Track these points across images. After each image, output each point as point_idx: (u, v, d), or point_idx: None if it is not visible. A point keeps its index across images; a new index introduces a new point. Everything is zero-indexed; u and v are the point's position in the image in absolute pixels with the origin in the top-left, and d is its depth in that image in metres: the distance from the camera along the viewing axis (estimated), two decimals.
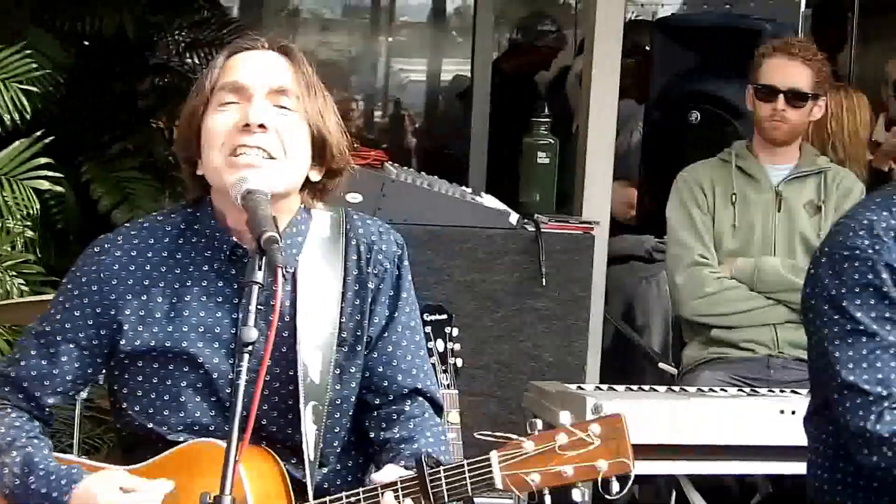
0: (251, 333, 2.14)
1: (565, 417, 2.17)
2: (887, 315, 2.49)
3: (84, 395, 3.22)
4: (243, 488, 2.25)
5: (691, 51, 5.28)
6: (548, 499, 2.17)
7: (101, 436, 4.14)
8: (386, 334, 2.46)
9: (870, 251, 2.50)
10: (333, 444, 2.44)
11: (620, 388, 3.84)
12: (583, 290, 4.24)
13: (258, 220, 2.23)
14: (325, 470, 2.42)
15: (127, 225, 2.51)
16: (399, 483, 2.23)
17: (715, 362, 4.17)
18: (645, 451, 3.34)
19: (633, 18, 7.81)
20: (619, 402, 3.46)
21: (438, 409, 2.50)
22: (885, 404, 2.47)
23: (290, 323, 2.38)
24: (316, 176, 2.43)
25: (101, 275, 2.42)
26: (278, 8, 9.49)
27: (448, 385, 3.33)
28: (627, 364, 4.88)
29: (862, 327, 2.49)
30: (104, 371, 2.47)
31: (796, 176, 4.24)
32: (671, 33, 5.45)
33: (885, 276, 2.49)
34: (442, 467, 2.21)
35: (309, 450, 2.36)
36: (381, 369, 2.45)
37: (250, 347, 2.15)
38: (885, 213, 2.53)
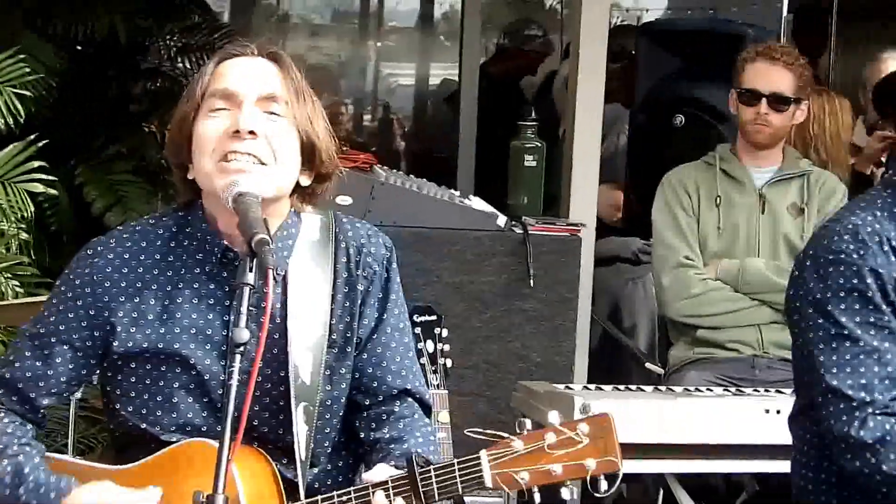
0: (243, 335, 2.14)
1: (554, 417, 2.17)
2: (871, 320, 2.48)
3: (78, 395, 3.22)
4: (236, 487, 2.25)
5: (675, 55, 5.29)
6: (537, 497, 2.17)
7: (96, 435, 4.13)
8: (375, 336, 2.46)
9: (854, 256, 2.49)
10: (324, 445, 2.44)
11: (608, 387, 3.83)
12: (570, 292, 4.24)
13: (249, 223, 2.23)
14: (315, 470, 2.42)
15: (119, 228, 2.51)
16: (390, 482, 2.22)
17: (701, 362, 4.17)
18: (632, 451, 3.34)
19: (618, 23, 7.82)
20: (607, 402, 3.46)
21: (427, 409, 2.50)
22: (869, 410, 2.46)
23: (280, 325, 2.38)
24: (306, 180, 2.43)
25: (94, 277, 2.41)
26: (268, 13, 9.48)
27: (438, 385, 3.33)
28: (614, 364, 4.87)
29: (846, 332, 2.48)
30: (97, 372, 2.47)
31: (779, 178, 4.24)
32: (656, 38, 5.46)
33: (869, 280, 2.48)
34: (432, 466, 2.21)
35: (300, 450, 2.36)
36: (370, 370, 2.45)
37: (242, 349, 2.14)
38: (869, 218, 2.53)
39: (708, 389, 3.83)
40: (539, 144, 4.46)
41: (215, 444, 2.14)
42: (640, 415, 3.48)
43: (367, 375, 2.45)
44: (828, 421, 2.50)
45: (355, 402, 2.46)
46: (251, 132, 2.33)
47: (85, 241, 2.50)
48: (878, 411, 2.46)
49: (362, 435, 2.45)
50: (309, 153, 2.40)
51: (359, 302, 2.44)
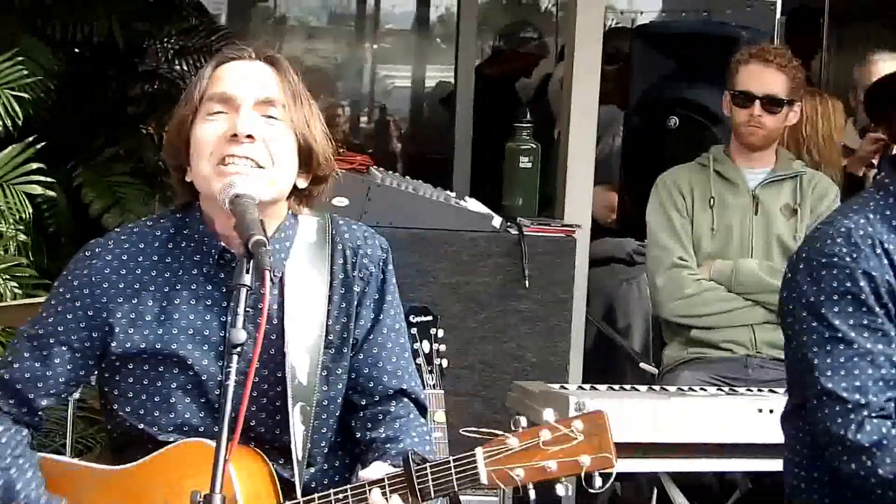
0: (240, 335, 2.14)
1: (549, 414, 2.17)
2: (865, 322, 2.48)
3: (77, 395, 3.22)
4: (233, 487, 2.25)
5: (670, 57, 5.29)
6: (532, 493, 2.17)
7: (94, 435, 4.12)
8: (371, 336, 2.46)
9: (847, 259, 2.49)
10: (321, 445, 2.44)
11: (602, 387, 3.84)
12: (565, 292, 4.24)
13: (246, 224, 2.24)
14: (312, 469, 2.43)
15: (117, 230, 2.52)
16: (386, 480, 2.22)
17: (694, 362, 4.18)
18: (627, 450, 3.36)
19: (613, 26, 7.82)
20: (601, 402, 3.45)
21: (423, 409, 2.50)
22: (865, 413, 2.46)
23: (277, 326, 2.39)
24: (303, 183, 2.43)
25: (93, 278, 2.42)
26: (265, 15, 9.49)
27: (434, 385, 3.33)
28: (609, 364, 4.88)
29: (840, 335, 2.49)
30: (95, 373, 2.47)
31: (773, 180, 4.25)
32: (650, 40, 5.46)
33: (862, 283, 2.48)
34: (428, 464, 2.21)
35: (297, 449, 2.36)
36: (366, 370, 2.46)
37: (239, 349, 2.15)
38: (862, 221, 2.53)
39: (701, 389, 3.83)
40: (534, 146, 4.47)
41: (212, 443, 2.15)
42: (635, 414, 3.48)
43: (364, 376, 2.45)
44: (823, 423, 2.50)
45: (351, 403, 2.46)
46: (249, 136, 2.34)
47: (83, 243, 2.50)
48: (874, 414, 2.47)
49: (358, 435, 2.46)
50: (306, 156, 2.41)
51: (355, 303, 2.45)
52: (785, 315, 2.60)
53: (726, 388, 3.88)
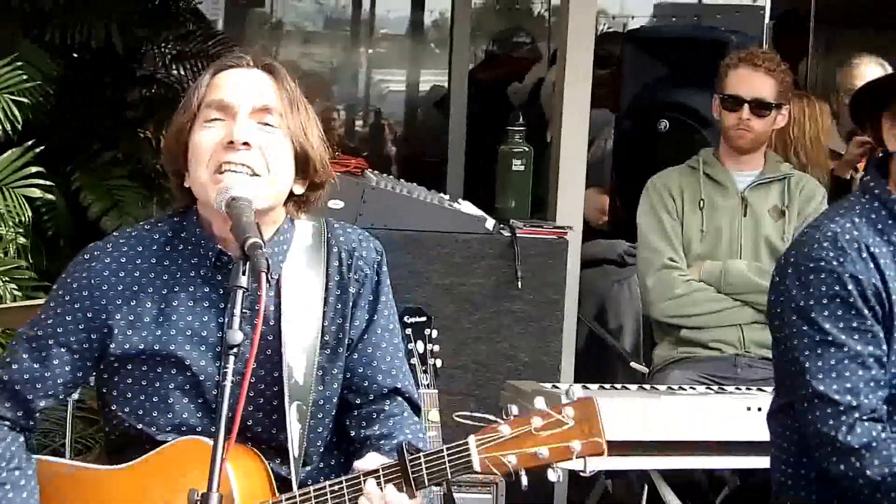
0: (236, 336, 2.15)
1: (540, 402, 2.18)
2: (854, 325, 2.49)
3: (76, 396, 3.22)
4: (230, 485, 2.26)
5: (660, 61, 5.29)
6: (524, 480, 2.17)
7: (93, 435, 4.12)
8: (366, 336, 2.47)
9: (834, 263, 2.50)
10: (317, 444, 2.45)
11: (594, 386, 3.84)
12: (557, 293, 4.24)
13: (242, 227, 2.24)
14: (308, 468, 2.43)
15: (116, 233, 2.52)
16: (381, 470, 2.23)
17: (684, 361, 4.18)
18: (617, 448, 3.35)
19: (605, 31, 7.84)
20: None
21: (416, 408, 2.51)
22: (856, 415, 2.47)
23: (274, 327, 2.39)
24: (299, 189, 2.44)
25: (92, 281, 2.42)
26: (262, 21, 9.48)
27: (428, 385, 3.34)
28: (600, 363, 4.88)
29: (830, 338, 2.49)
30: (94, 374, 2.47)
31: (761, 182, 4.26)
32: (641, 45, 5.46)
33: (850, 287, 2.49)
34: (422, 453, 2.21)
35: (294, 447, 2.37)
36: (361, 370, 2.47)
37: (236, 350, 2.15)
38: (848, 225, 2.54)
39: (691, 388, 3.84)
40: (527, 149, 4.47)
41: (209, 441, 2.15)
42: (626, 413, 3.48)
43: (358, 375, 2.46)
44: (814, 425, 2.50)
45: (346, 402, 2.47)
46: (245, 143, 2.35)
47: (82, 245, 2.50)
48: (865, 416, 2.47)
49: (353, 433, 2.46)
50: (303, 163, 2.41)
51: (350, 304, 2.45)
52: (774, 318, 2.61)
53: (715, 387, 3.89)
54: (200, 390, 2.39)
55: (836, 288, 2.49)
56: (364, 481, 2.23)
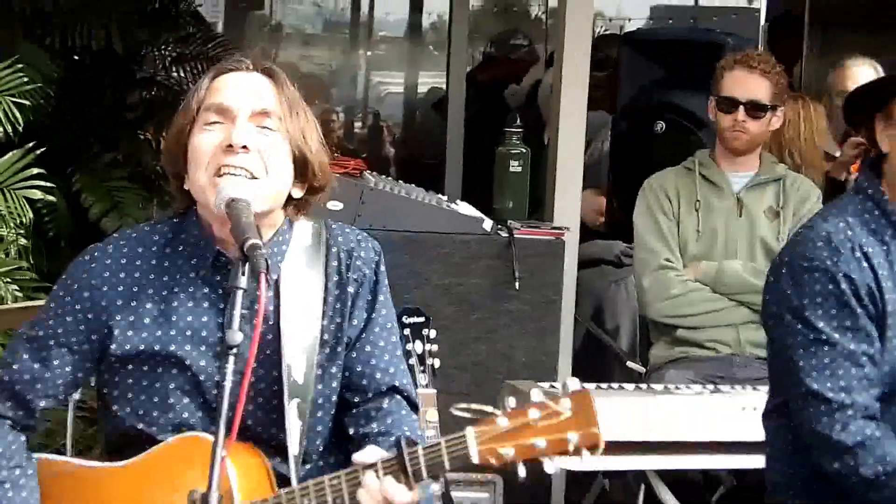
0: (236, 337, 2.15)
1: (536, 394, 2.18)
2: (847, 324, 2.50)
3: (77, 396, 3.22)
4: (230, 481, 2.26)
5: (657, 64, 5.29)
6: (522, 471, 2.17)
7: (94, 436, 4.12)
8: (364, 335, 2.47)
9: (828, 262, 2.51)
10: (316, 442, 2.46)
11: (591, 385, 3.83)
12: (554, 293, 4.24)
13: (241, 229, 2.25)
14: (308, 466, 2.43)
15: (116, 235, 2.53)
16: (379, 463, 2.22)
17: (680, 361, 4.18)
18: (615, 447, 3.36)
19: (602, 33, 7.84)
20: None
21: (414, 406, 2.52)
22: (849, 413, 2.48)
23: (274, 327, 2.40)
24: (298, 193, 2.45)
25: (92, 282, 2.43)
26: (261, 23, 9.49)
27: (426, 385, 3.34)
28: (597, 363, 4.88)
29: (824, 337, 2.50)
30: (94, 375, 2.48)
31: (756, 183, 4.26)
32: (638, 47, 5.46)
33: (843, 285, 2.50)
34: (420, 446, 2.21)
35: (293, 444, 2.37)
36: (359, 368, 2.47)
37: (235, 350, 2.15)
38: (841, 225, 2.55)
39: (687, 387, 3.84)
40: (524, 150, 4.47)
41: (209, 437, 2.16)
42: (622, 412, 3.48)
43: (357, 373, 2.47)
44: (809, 423, 2.51)
45: (345, 400, 2.48)
46: (244, 147, 2.35)
47: (82, 246, 2.51)
48: (858, 414, 2.48)
49: (352, 431, 2.47)
50: (301, 166, 2.42)
51: (349, 304, 2.46)
52: (768, 318, 2.62)
53: (711, 387, 3.88)
54: (200, 390, 2.39)
55: (830, 287, 2.50)
56: (363, 474, 2.22)
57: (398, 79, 9.36)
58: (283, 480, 2.36)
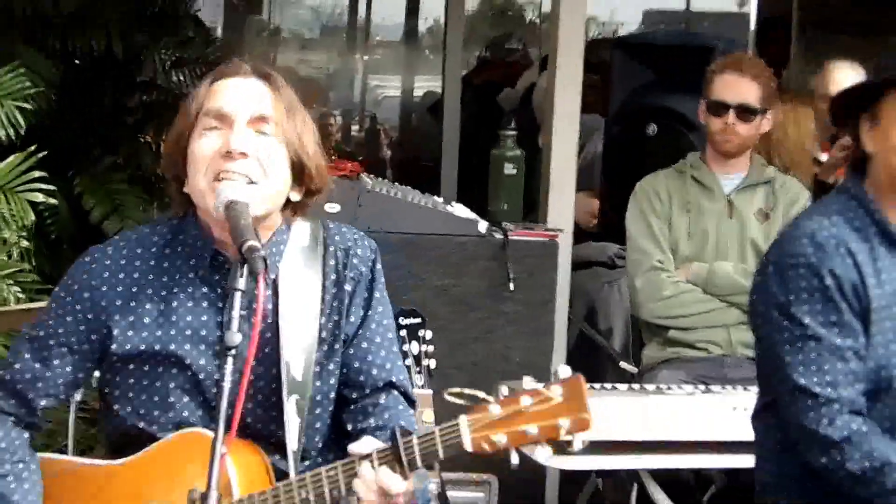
0: (234, 338, 2.16)
1: (528, 382, 2.18)
2: (833, 319, 2.51)
3: (78, 397, 3.21)
4: (228, 476, 2.27)
5: (649, 67, 5.29)
6: (515, 458, 2.17)
7: (96, 436, 4.11)
8: (361, 332, 2.48)
9: (813, 259, 2.52)
10: (315, 439, 2.46)
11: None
12: (548, 294, 4.24)
13: (239, 231, 2.26)
14: (307, 463, 2.44)
15: (116, 237, 2.54)
16: (375, 454, 2.23)
17: (673, 362, 4.18)
18: (607, 447, 3.37)
19: (596, 37, 7.84)
20: None
21: (411, 401, 2.52)
22: (836, 407, 2.48)
23: (272, 325, 2.41)
24: (296, 196, 2.45)
25: (92, 282, 2.43)
26: (260, 27, 9.49)
27: (423, 385, 3.33)
28: (591, 364, 4.86)
29: (810, 332, 2.51)
30: (95, 374, 2.48)
31: (747, 185, 4.26)
32: (630, 51, 5.46)
33: (828, 281, 2.51)
34: (414, 435, 2.22)
35: (292, 441, 2.38)
36: (356, 365, 2.48)
37: (233, 351, 2.16)
38: (826, 222, 2.56)
39: (679, 387, 3.83)
40: (519, 153, 4.47)
41: (209, 433, 2.17)
42: (615, 412, 3.48)
43: (354, 370, 2.48)
44: (796, 418, 2.52)
45: (343, 396, 2.48)
46: (242, 153, 2.36)
47: (84, 248, 2.51)
48: (845, 409, 2.48)
49: (349, 427, 2.47)
50: (299, 170, 2.43)
51: (346, 301, 2.47)
52: (755, 316, 2.62)
53: (703, 387, 3.88)
54: (200, 389, 2.40)
55: (815, 283, 2.50)
56: (358, 465, 2.23)
57: (395, 82, 9.36)
58: (282, 477, 2.36)
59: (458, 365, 4.15)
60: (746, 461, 2.88)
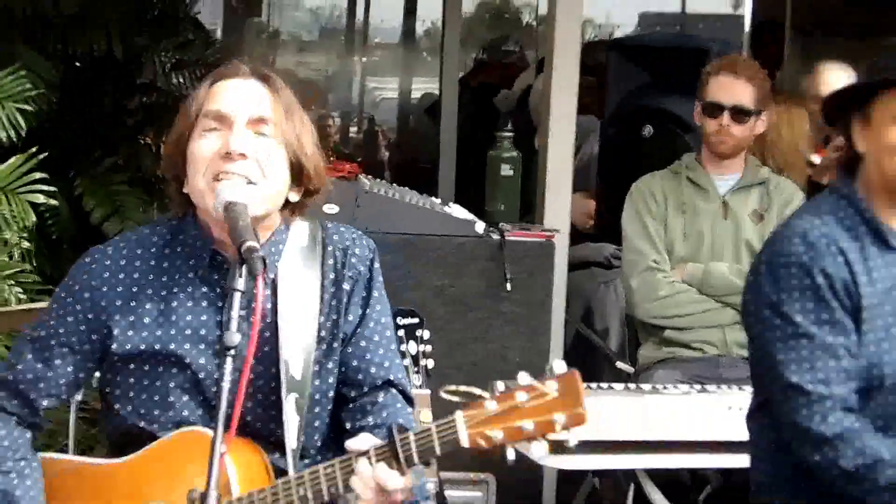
0: (233, 339, 2.16)
1: (523, 377, 2.18)
2: (825, 317, 2.51)
3: (79, 397, 3.21)
4: (228, 474, 2.27)
5: (645, 69, 5.29)
6: (511, 454, 2.16)
7: (96, 436, 4.10)
8: (359, 330, 2.48)
9: (805, 258, 2.52)
10: (314, 438, 2.47)
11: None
12: (545, 295, 4.24)
13: (238, 231, 2.26)
14: (306, 461, 2.44)
15: (116, 237, 2.54)
16: (372, 451, 2.23)
17: (668, 362, 4.18)
18: (604, 446, 3.36)
19: (592, 40, 7.84)
20: None
21: (409, 400, 2.53)
22: (828, 404, 2.48)
23: (272, 324, 2.41)
24: (295, 196, 2.46)
25: (92, 283, 2.44)
26: (259, 30, 9.49)
27: (420, 385, 3.32)
28: (587, 363, 4.86)
29: (802, 330, 2.51)
30: (96, 374, 2.48)
31: (741, 186, 4.26)
32: (625, 53, 5.45)
33: (820, 280, 2.51)
34: (411, 432, 2.22)
35: (291, 439, 2.38)
36: (355, 363, 2.48)
37: (232, 351, 2.16)
38: (817, 221, 2.56)
39: (674, 387, 3.83)
40: (515, 154, 4.47)
41: (208, 431, 2.17)
42: (612, 412, 3.47)
43: (352, 368, 2.48)
44: (789, 416, 2.52)
45: (341, 395, 2.48)
46: (241, 154, 2.36)
47: (84, 249, 2.52)
48: (838, 406, 2.48)
49: (348, 425, 2.47)
50: (297, 170, 2.43)
51: (345, 300, 2.47)
52: (748, 316, 2.63)
53: (698, 387, 3.87)
54: (200, 388, 2.40)
55: (807, 281, 2.50)
56: (356, 461, 2.23)
57: (393, 84, 9.36)
58: (282, 475, 2.36)
59: (456, 365, 4.15)
60: (742, 461, 2.88)
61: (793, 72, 6.48)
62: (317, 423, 2.45)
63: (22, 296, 4.12)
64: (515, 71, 7.48)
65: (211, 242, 2.41)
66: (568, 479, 4.28)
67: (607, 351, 4.76)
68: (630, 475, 3.83)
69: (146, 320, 2.41)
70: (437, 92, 7.20)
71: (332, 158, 4.23)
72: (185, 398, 2.40)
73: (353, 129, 9.29)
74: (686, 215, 4.23)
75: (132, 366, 2.41)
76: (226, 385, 2.13)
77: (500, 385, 2.18)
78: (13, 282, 4.13)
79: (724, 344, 4.17)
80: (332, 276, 2.47)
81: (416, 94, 9.02)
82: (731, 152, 4.23)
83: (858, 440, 2.47)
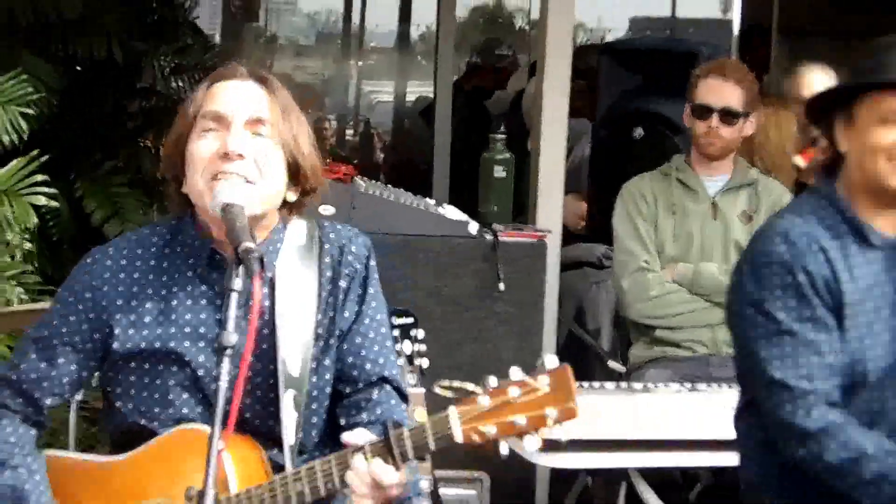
0: (231, 338, 2.15)
1: (515, 372, 2.17)
2: (807, 314, 2.51)
3: (79, 397, 3.21)
4: (226, 470, 2.27)
5: (635, 72, 5.29)
6: (504, 449, 2.16)
7: (97, 434, 4.10)
8: (354, 327, 2.48)
9: (786, 256, 2.52)
10: (312, 434, 2.47)
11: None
12: (538, 295, 4.24)
13: (236, 232, 2.26)
14: (304, 457, 2.44)
15: (117, 238, 2.54)
16: (367, 446, 2.23)
17: (659, 361, 4.18)
18: (596, 445, 3.35)
19: (584, 44, 7.84)
20: None
21: (404, 397, 2.53)
22: (812, 399, 2.48)
23: (269, 322, 2.41)
24: (292, 196, 2.46)
25: (93, 283, 2.44)
26: (257, 35, 9.49)
27: (415, 384, 3.31)
28: (579, 363, 4.83)
29: (785, 327, 2.51)
30: (98, 373, 2.49)
31: (730, 188, 4.26)
32: (616, 56, 5.45)
33: (801, 278, 2.51)
34: (405, 427, 2.22)
35: (289, 435, 2.38)
36: (350, 359, 2.48)
37: (229, 351, 2.16)
38: (798, 221, 2.57)
39: (665, 386, 3.82)
40: (508, 156, 4.47)
41: (207, 428, 2.16)
42: (604, 411, 3.47)
43: (348, 365, 2.47)
44: (773, 412, 2.52)
45: (337, 392, 2.49)
46: (239, 154, 2.36)
47: (85, 250, 2.52)
48: (821, 401, 2.48)
49: (343, 421, 2.47)
50: (294, 170, 2.43)
51: (341, 297, 2.47)
52: (732, 315, 2.63)
53: (689, 385, 3.87)
54: (199, 386, 2.40)
55: (789, 279, 2.50)
56: (351, 457, 2.23)
57: (388, 88, 9.36)
58: (279, 471, 2.36)
59: (450, 364, 4.14)
60: (732, 459, 2.87)
61: (780, 74, 6.48)
62: (314, 420, 2.45)
63: (24, 296, 4.13)
64: (508, 75, 7.48)
65: (210, 242, 2.42)
66: (560, 478, 4.27)
67: (599, 350, 4.76)
68: (622, 473, 3.82)
69: (147, 319, 2.41)
70: (431, 95, 7.19)
71: (328, 161, 4.23)
72: (185, 395, 2.40)
73: (349, 131, 9.29)
74: (676, 216, 4.22)
75: (133, 364, 2.42)
76: (223, 384, 2.13)
77: (492, 380, 2.17)
78: (15, 282, 4.14)
79: (714, 343, 4.16)
80: (328, 273, 2.47)
81: (410, 98, 9.02)
82: (720, 154, 4.23)
83: (843, 434, 2.47)
